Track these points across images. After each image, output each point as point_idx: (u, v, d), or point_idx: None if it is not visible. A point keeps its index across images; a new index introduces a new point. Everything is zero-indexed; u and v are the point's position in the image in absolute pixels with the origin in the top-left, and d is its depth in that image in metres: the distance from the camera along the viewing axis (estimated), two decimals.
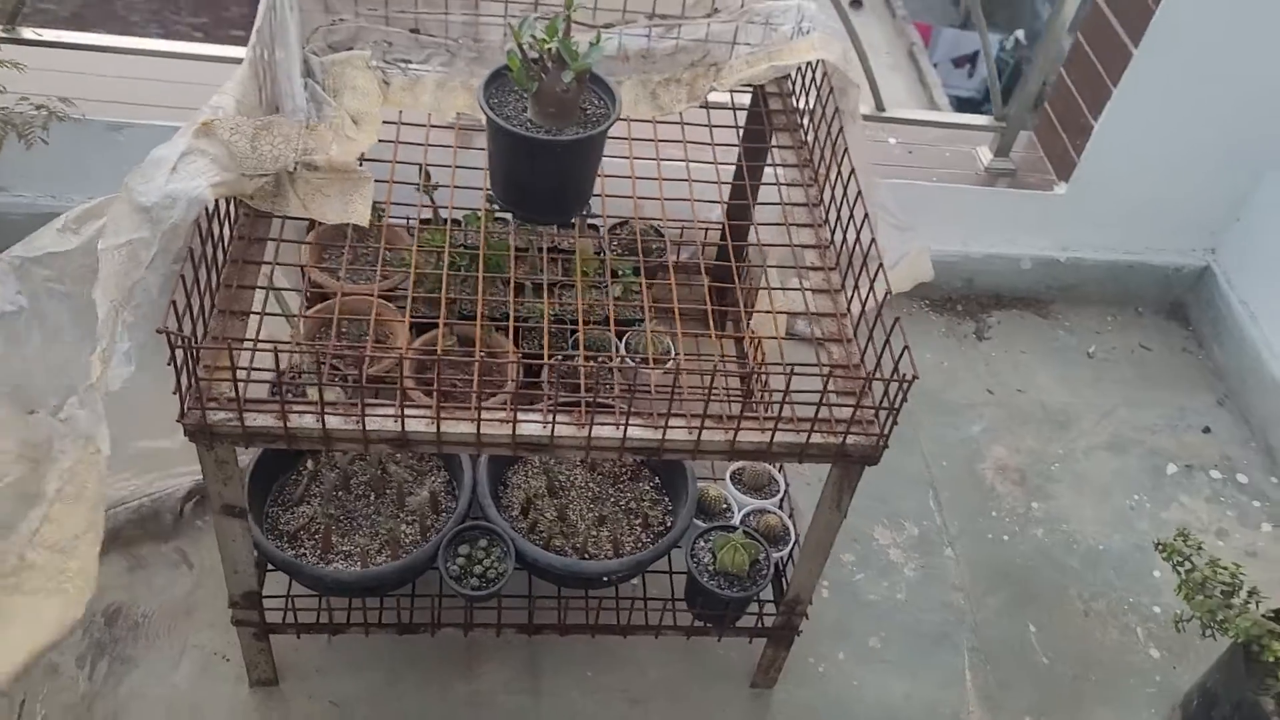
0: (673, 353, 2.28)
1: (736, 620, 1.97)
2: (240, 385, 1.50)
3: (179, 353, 1.41)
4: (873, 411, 1.62)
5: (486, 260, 1.75)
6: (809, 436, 1.58)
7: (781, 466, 2.14)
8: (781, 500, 2.08)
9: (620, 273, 2.22)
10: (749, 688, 2.09)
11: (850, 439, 1.59)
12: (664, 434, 1.55)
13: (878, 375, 1.56)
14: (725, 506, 2.05)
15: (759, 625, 1.98)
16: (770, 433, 1.58)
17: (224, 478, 1.58)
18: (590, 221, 2.38)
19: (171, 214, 1.48)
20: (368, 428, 1.51)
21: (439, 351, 1.66)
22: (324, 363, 1.57)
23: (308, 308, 2.28)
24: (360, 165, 1.74)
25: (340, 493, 1.96)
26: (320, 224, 2.11)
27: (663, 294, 2.12)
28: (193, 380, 1.46)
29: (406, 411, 1.52)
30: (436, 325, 2.01)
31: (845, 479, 1.67)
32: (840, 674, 2.13)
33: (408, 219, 2.09)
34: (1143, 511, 2.47)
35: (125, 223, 1.48)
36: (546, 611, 1.97)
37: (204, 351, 1.51)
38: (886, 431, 1.60)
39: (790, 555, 2.01)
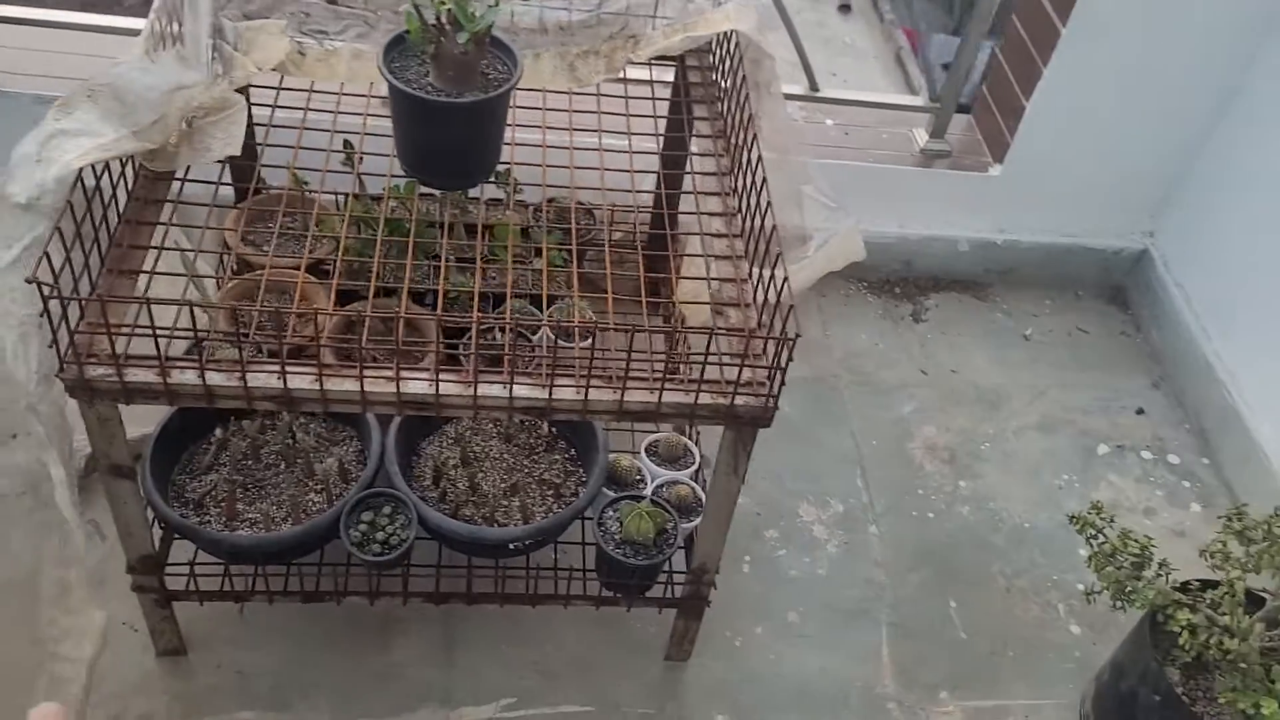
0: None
1: (645, 590, 1.97)
2: (124, 341, 1.50)
3: (52, 305, 1.40)
4: (765, 374, 1.61)
5: (412, 235, 1.74)
6: (697, 397, 1.58)
7: (697, 439, 2.14)
8: (696, 472, 2.07)
9: (548, 248, 2.22)
10: (663, 660, 2.08)
11: (739, 400, 1.59)
12: (550, 393, 1.55)
13: (761, 334, 1.56)
14: (639, 477, 2.05)
15: (668, 595, 1.97)
16: (658, 392, 1.57)
17: (108, 436, 1.57)
18: (518, 199, 2.38)
19: (54, 199, 1.48)
20: (250, 384, 1.51)
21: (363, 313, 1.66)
22: (243, 328, 1.57)
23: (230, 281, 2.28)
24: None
25: (249, 461, 1.96)
26: (245, 200, 2.13)
27: (592, 269, 2.12)
28: (70, 335, 1.46)
29: (289, 369, 1.51)
30: (360, 298, 2.02)
31: (739, 442, 1.66)
32: (757, 648, 2.12)
33: (335, 193, 2.10)
34: (1071, 491, 2.47)
35: (13, 228, 1.47)
36: (456, 581, 1.96)
37: (92, 307, 1.51)
38: (775, 392, 1.59)
39: (695, 535, 2.00)
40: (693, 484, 2.04)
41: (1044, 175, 2.72)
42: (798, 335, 1.52)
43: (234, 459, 1.95)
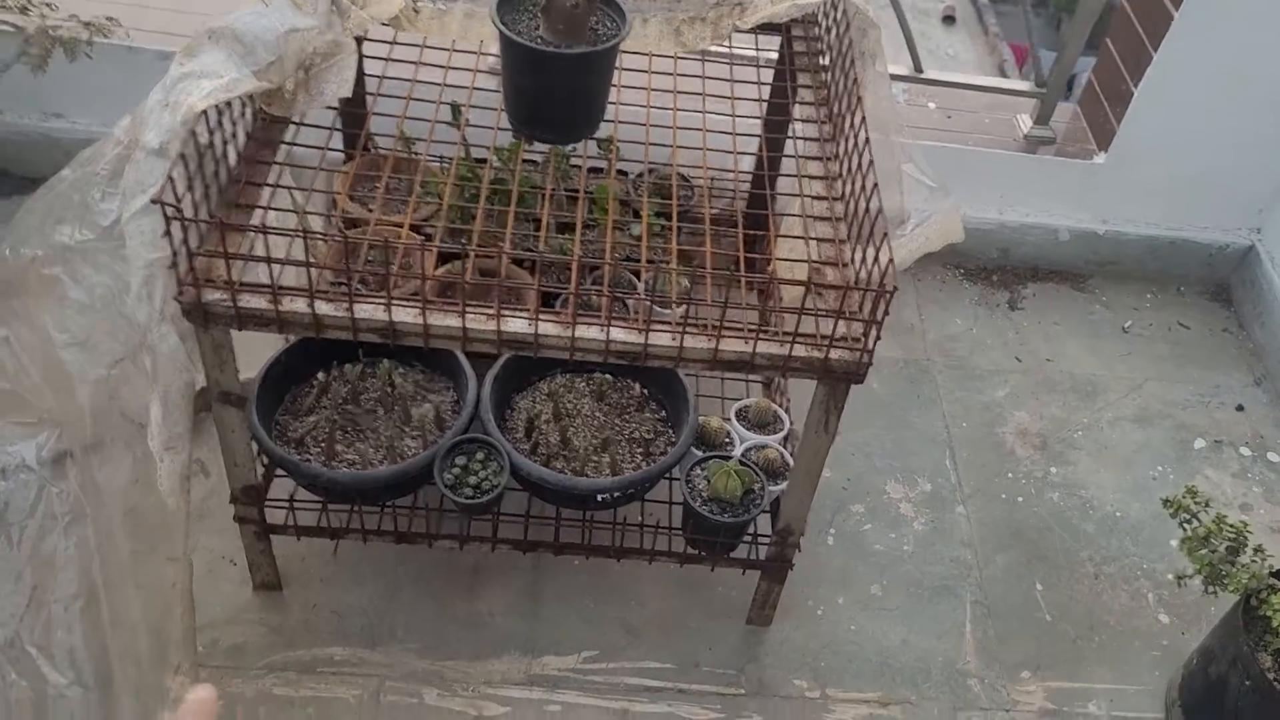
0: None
1: (730, 550, 1.98)
2: (239, 268, 1.57)
3: (175, 227, 1.47)
4: (861, 330, 1.62)
5: (514, 195, 1.78)
6: (791, 348, 1.59)
7: (787, 406, 2.14)
8: (785, 439, 2.08)
9: (647, 216, 2.25)
10: (744, 624, 2.09)
11: (834, 354, 1.59)
12: (646, 338, 1.58)
13: (858, 286, 1.56)
14: (727, 440, 2.06)
15: (752, 557, 1.98)
16: (752, 342, 1.59)
17: (220, 362, 1.64)
18: (619, 169, 2.42)
19: (180, 142, 1.55)
20: (356, 315, 1.56)
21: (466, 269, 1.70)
22: (351, 265, 1.62)
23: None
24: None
25: (349, 406, 2.02)
26: (354, 159, 2.20)
27: (689, 241, 2.15)
28: (190, 260, 1.52)
29: (394, 302, 1.56)
30: (461, 256, 2.07)
31: (831, 399, 1.67)
32: (838, 618, 2.12)
33: (440, 157, 2.17)
34: (1165, 483, 2.41)
35: (147, 174, 1.54)
36: (544, 530, 2.00)
37: (211, 235, 1.57)
38: (870, 347, 1.60)
39: (783, 497, 2.00)
40: (781, 449, 2.04)
41: (1150, 166, 2.68)
42: (895, 289, 1.52)
43: (334, 402, 2.01)
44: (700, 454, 1.98)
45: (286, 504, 1.94)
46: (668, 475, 2.05)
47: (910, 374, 2.57)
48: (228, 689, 1.90)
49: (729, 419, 2.11)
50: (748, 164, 2.16)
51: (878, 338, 1.59)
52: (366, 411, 2.02)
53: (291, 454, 1.88)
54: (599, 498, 1.91)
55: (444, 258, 2.29)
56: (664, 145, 1.87)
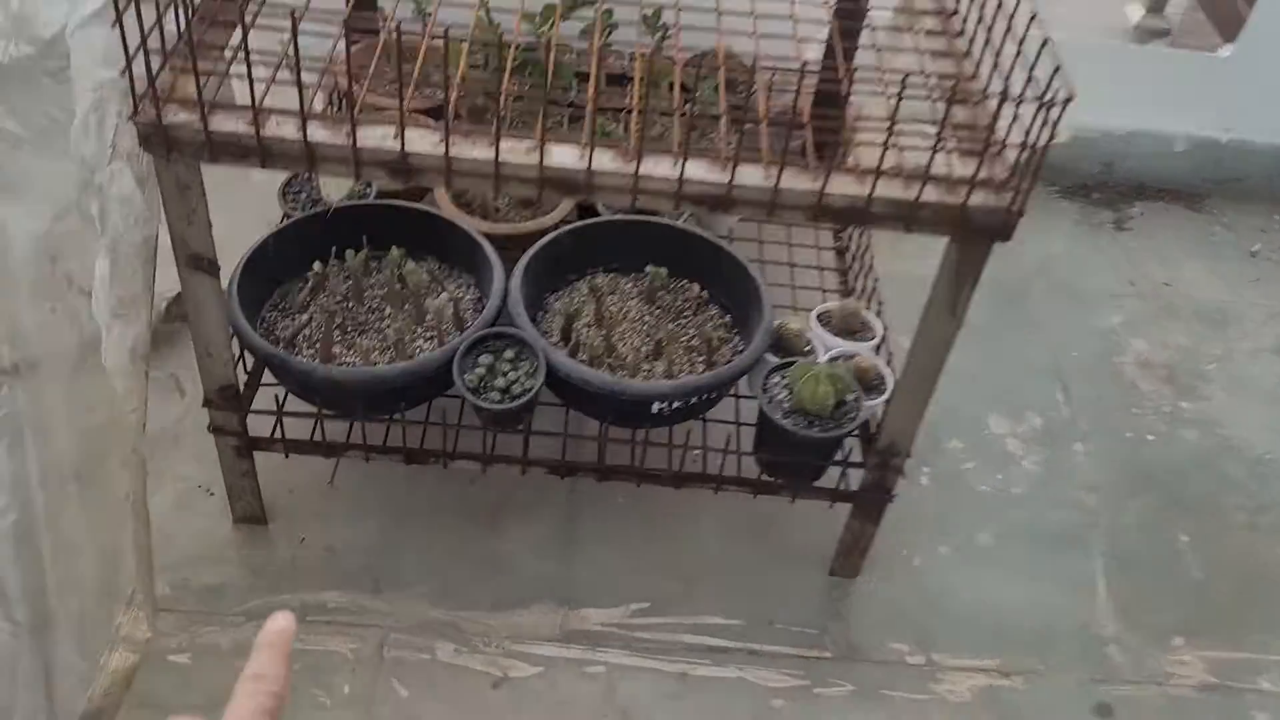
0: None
1: (815, 477, 1.61)
2: (213, 88, 1.21)
3: (130, 21, 1.11)
4: (1004, 173, 1.25)
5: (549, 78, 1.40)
6: (920, 193, 1.22)
7: (880, 310, 1.77)
8: (878, 346, 1.71)
9: (701, 93, 1.89)
10: (826, 575, 1.71)
11: (975, 199, 1.23)
12: (732, 176, 1.21)
13: (1016, 97, 1.20)
14: (808, 347, 1.69)
15: (842, 487, 1.61)
16: (869, 184, 1.22)
17: (186, 210, 1.28)
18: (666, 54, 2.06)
19: None
20: (360, 144, 1.20)
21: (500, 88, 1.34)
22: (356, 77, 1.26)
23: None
24: None
25: (349, 304, 1.66)
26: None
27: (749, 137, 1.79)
28: (151, 76, 1.17)
29: (409, 131, 1.20)
30: None
31: (963, 266, 1.30)
32: (941, 571, 1.74)
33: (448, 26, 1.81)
34: None
35: None
36: (585, 450, 1.64)
37: (178, 52, 1.22)
38: (1026, 187, 1.23)
39: (886, 409, 1.63)
40: (876, 359, 1.67)
41: None
42: (1070, 98, 1.15)
43: (332, 299, 1.65)
44: (777, 360, 1.61)
45: (274, 414, 1.57)
46: (735, 393, 1.68)
47: (1006, 297, 2.20)
48: (198, 638, 1.54)
49: (808, 323, 1.74)
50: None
51: (1036, 174, 1.22)
52: (370, 310, 1.66)
53: (278, 349, 1.52)
54: (654, 408, 1.54)
55: None
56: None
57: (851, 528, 1.64)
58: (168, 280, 1.40)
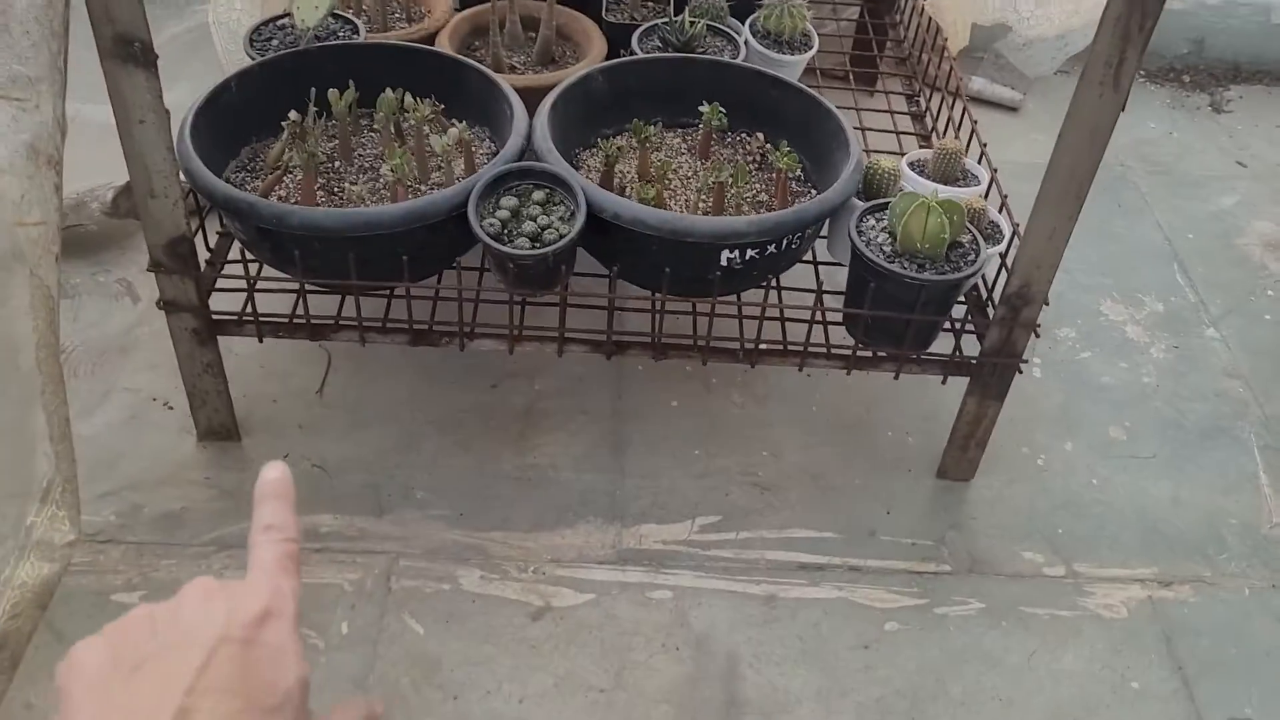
0: (814, 40, 1.63)
1: (925, 345, 1.28)
2: None
3: None
4: None
5: None
6: None
7: (984, 154, 1.46)
8: (987, 191, 1.40)
9: None
10: (934, 479, 1.39)
11: None
12: None
13: None
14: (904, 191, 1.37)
15: (957, 355, 1.29)
16: None
17: None
18: None
19: None
20: None
21: None
22: None
23: None
24: None
25: (337, 162, 1.34)
26: None
27: None
28: None
29: None
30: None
31: (1137, 3, 0.99)
32: (1070, 470, 1.42)
33: None
34: None
35: None
36: (636, 321, 1.32)
37: None
38: None
39: (1004, 260, 1.31)
40: (985, 203, 1.36)
41: None
42: None
43: (314, 154, 1.33)
44: (867, 204, 1.30)
45: (244, 290, 1.25)
46: (814, 259, 1.37)
47: (1103, 180, 1.85)
48: (152, 574, 1.21)
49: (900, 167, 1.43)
50: None
51: None
52: (362, 170, 1.35)
53: (244, 192, 1.20)
54: (724, 258, 1.22)
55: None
56: None
57: (969, 409, 1.32)
58: (115, 168, 1.09)
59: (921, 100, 1.73)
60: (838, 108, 1.39)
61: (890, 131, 1.64)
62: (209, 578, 0.46)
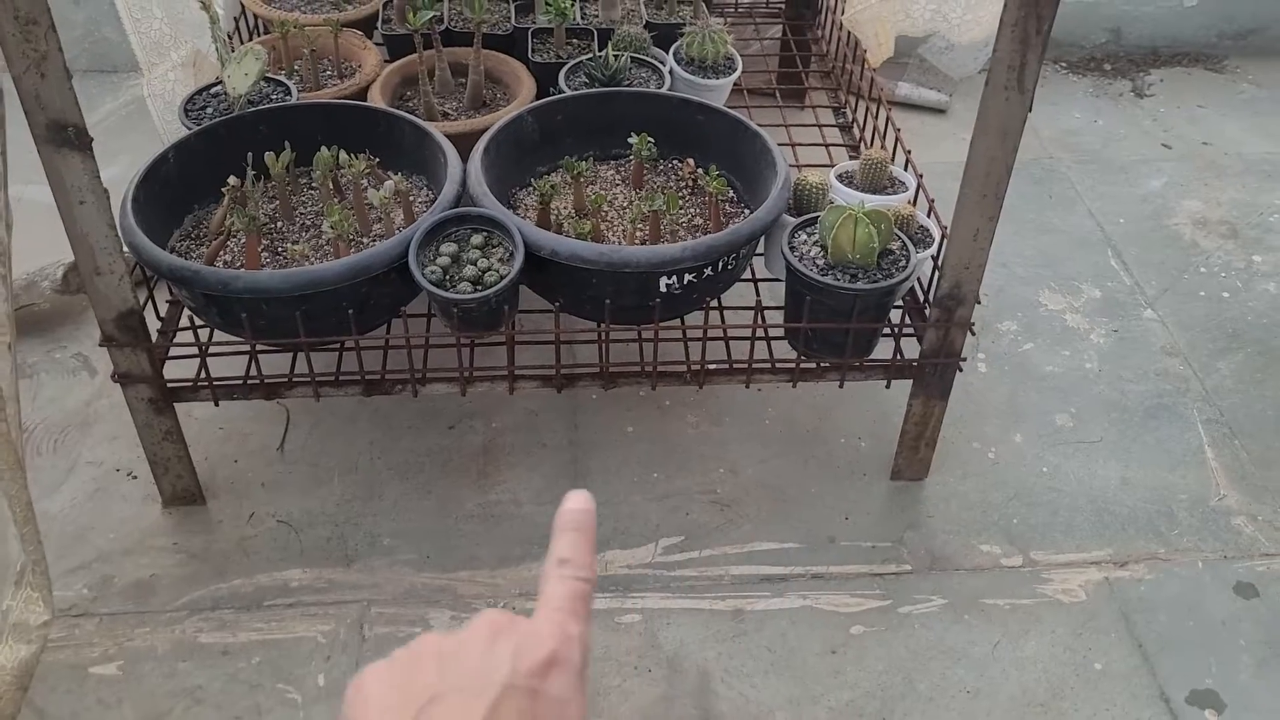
0: (737, 63, 1.67)
1: (866, 352, 1.32)
2: None
3: None
4: None
5: None
6: None
7: (909, 161, 1.50)
8: (914, 198, 1.44)
9: None
10: (889, 481, 1.43)
11: None
12: None
13: None
14: (832, 205, 1.41)
15: (898, 359, 1.32)
16: None
17: (37, 56, 0.99)
18: None
19: None
20: None
21: None
22: None
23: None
24: None
25: (279, 222, 1.37)
26: None
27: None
28: None
29: None
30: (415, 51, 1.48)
31: (1031, 7, 1.03)
32: (1021, 460, 1.46)
33: None
34: None
35: None
36: (583, 354, 1.35)
37: None
38: None
39: (936, 262, 1.35)
40: (913, 209, 1.40)
41: None
42: None
43: (254, 217, 1.36)
44: (797, 219, 1.34)
45: (195, 356, 1.27)
46: (752, 276, 1.41)
47: (1032, 174, 1.95)
48: (128, 644, 1.22)
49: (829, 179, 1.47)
50: None
51: None
52: (303, 228, 1.37)
53: (187, 261, 1.22)
54: (663, 283, 1.25)
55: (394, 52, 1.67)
56: None
57: (915, 410, 1.36)
58: (66, 244, 1.11)
59: (848, 111, 1.78)
60: (767, 126, 1.43)
61: (820, 145, 1.68)
62: (497, 612, 0.45)
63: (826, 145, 1.68)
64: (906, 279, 1.25)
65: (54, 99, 1.01)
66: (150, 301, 1.28)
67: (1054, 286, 1.73)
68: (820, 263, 1.27)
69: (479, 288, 1.20)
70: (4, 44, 0.97)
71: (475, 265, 1.22)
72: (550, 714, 0.42)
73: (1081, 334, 1.65)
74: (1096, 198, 1.90)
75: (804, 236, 1.31)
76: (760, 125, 1.67)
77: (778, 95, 1.83)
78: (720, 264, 1.27)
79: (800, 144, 1.67)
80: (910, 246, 1.28)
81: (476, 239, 1.25)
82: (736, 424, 1.49)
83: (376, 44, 1.73)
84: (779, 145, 1.44)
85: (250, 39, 1.76)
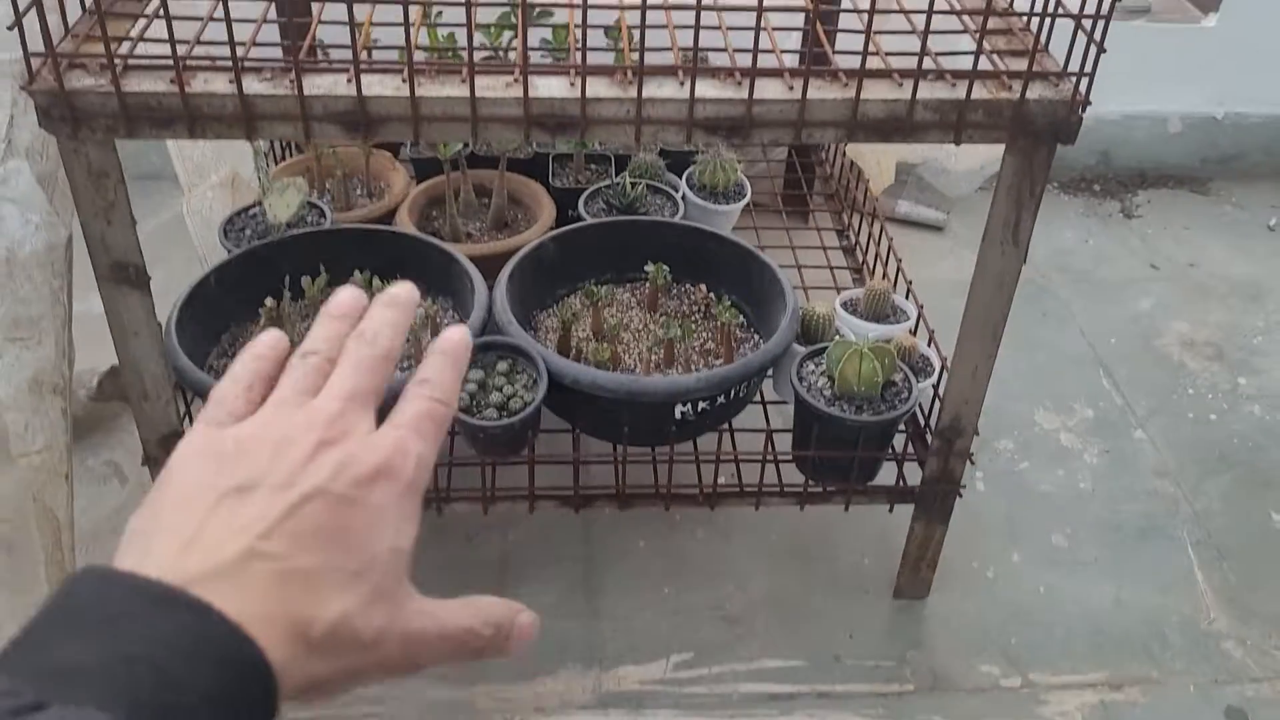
0: (747, 190, 1.76)
1: (870, 477, 1.38)
2: (122, 49, 1.01)
3: None
4: (1057, 71, 1.09)
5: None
6: (969, 91, 1.04)
7: (910, 291, 1.57)
8: (915, 327, 1.51)
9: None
10: (892, 599, 1.48)
11: (1033, 93, 1.05)
12: (750, 92, 1.03)
13: None
14: (838, 335, 1.48)
15: (900, 484, 1.39)
16: (911, 86, 1.04)
17: (104, 205, 1.07)
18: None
19: None
20: (308, 93, 1.00)
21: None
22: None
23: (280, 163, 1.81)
24: None
25: None
26: None
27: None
28: (47, 37, 0.97)
29: (365, 76, 1.01)
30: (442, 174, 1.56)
31: (1023, 178, 1.12)
32: (1018, 579, 1.51)
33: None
34: None
35: None
36: (600, 474, 1.41)
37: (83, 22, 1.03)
38: (1086, 91, 1.06)
39: (937, 390, 1.42)
40: (914, 339, 1.47)
41: (1276, 24, 2.20)
42: None
43: (291, 335, 1.42)
44: (806, 349, 1.41)
45: None
46: (762, 399, 1.48)
47: (1027, 292, 2.01)
48: None
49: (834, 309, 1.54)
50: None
51: (1097, 60, 1.06)
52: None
53: None
54: (678, 412, 1.32)
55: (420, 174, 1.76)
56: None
57: (916, 533, 1.41)
58: (101, 353, 1.18)
59: (851, 234, 1.86)
60: (772, 248, 1.52)
61: (825, 267, 1.76)
62: (358, 407, 0.44)
63: (831, 268, 1.76)
64: (908, 411, 1.32)
65: (119, 241, 1.08)
66: (187, 417, 1.34)
67: (1048, 405, 1.79)
68: (827, 393, 1.34)
69: (504, 414, 1.27)
70: (75, 193, 1.05)
71: (501, 391, 1.29)
72: (363, 521, 0.41)
73: (1075, 453, 1.71)
74: (1088, 317, 1.98)
75: (812, 366, 1.38)
76: (767, 245, 1.76)
77: (784, 215, 1.91)
78: (732, 392, 1.34)
79: (806, 266, 1.75)
80: (912, 379, 1.35)
81: (502, 365, 1.32)
82: (744, 540, 1.54)
83: (403, 160, 1.82)
84: (785, 266, 1.52)
85: (285, 157, 1.84)
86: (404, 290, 0.49)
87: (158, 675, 0.34)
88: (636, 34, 1.00)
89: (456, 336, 0.48)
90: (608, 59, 1.11)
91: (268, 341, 0.49)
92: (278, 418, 0.44)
